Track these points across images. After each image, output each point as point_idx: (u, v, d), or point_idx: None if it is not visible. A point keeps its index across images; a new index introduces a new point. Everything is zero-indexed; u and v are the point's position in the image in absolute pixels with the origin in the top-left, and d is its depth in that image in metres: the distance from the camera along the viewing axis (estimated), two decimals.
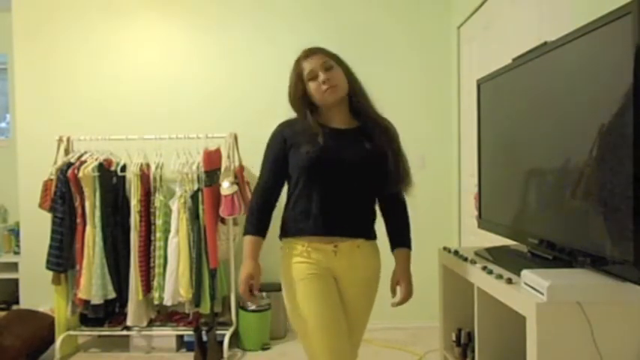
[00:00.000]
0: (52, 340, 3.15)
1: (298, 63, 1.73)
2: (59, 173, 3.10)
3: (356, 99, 1.76)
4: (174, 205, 3.12)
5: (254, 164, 3.46)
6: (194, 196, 3.12)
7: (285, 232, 1.74)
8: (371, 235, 1.78)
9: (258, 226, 1.72)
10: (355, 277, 1.73)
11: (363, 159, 1.69)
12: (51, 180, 3.16)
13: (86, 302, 3.09)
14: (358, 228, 1.73)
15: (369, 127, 1.74)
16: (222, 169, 3.15)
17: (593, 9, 1.58)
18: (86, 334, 3.33)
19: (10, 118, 4.42)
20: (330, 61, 1.71)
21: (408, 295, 1.80)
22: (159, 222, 3.13)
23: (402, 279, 1.79)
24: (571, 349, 1.34)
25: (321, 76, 1.67)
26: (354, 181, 1.69)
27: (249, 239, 1.72)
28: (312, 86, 1.70)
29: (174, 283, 3.08)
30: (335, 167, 1.68)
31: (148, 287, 3.15)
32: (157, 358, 3.19)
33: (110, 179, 3.19)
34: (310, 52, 1.73)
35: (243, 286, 1.70)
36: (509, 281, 1.56)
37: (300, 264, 1.68)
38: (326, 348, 1.60)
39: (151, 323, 3.26)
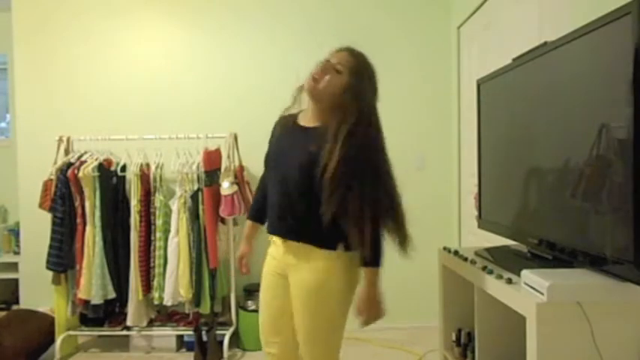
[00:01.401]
0: (52, 340, 3.15)
1: (339, 48, 1.71)
2: (59, 173, 3.10)
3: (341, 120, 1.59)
4: (174, 205, 3.12)
5: (254, 164, 3.47)
6: (194, 196, 3.12)
7: None
8: (323, 244, 1.63)
9: (251, 211, 1.98)
10: (297, 281, 1.68)
11: (302, 162, 1.60)
12: (51, 180, 3.16)
13: (86, 302, 3.08)
14: (302, 232, 1.65)
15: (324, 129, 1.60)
16: (222, 169, 3.15)
17: (593, 9, 1.59)
18: (86, 334, 3.33)
19: (10, 118, 4.42)
20: (344, 69, 1.61)
21: (368, 316, 1.64)
22: (159, 222, 3.13)
23: (360, 300, 1.63)
24: (571, 349, 1.34)
25: (319, 69, 1.62)
26: (300, 186, 1.62)
27: (246, 223, 1.99)
28: (312, 69, 1.65)
29: (174, 283, 3.07)
30: (278, 168, 1.69)
31: (147, 287, 3.15)
32: (157, 358, 3.19)
33: (110, 179, 3.19)
34: (348, 50, 1.70)
35: (237, 264, 2.01)
36: (509, 281, 1.56)
37: (271, 259, 1.81)
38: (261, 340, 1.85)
39: (151, 323, 3.26)
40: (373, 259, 1.60)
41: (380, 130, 1.65)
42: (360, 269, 1.65)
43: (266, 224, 1.82)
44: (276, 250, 1.78)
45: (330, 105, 1.63)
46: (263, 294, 1.83)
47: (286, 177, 1.65)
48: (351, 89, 1.61)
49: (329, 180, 1.53)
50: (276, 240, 1.76)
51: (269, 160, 1.79)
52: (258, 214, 1.95)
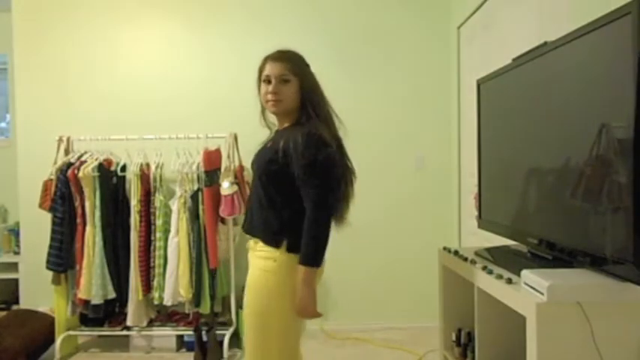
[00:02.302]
0: (52, 340, 3.15)
1: (264, 61, 1.76)
2: (59, 173, 3.10)
3: (306, 111, 1.71)
4: (174, 205, 3.12)
5: None
6: (194, 196, 3.12)
7: None
8: (268, 240, 1.66)
9: None
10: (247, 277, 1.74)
11: (259, 158, 1.75)
12: (51, 180, 3.16)
13: (86, 302, 3.08)
14: (257, 227, 1.71)
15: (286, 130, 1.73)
16: (222, 169, 3.15)
17: (593, 9, 1.58)
18: (86, 334, 3.33)
19: (10, 118, 4.42)
20: (289, 75, 1.70)
21: (302, 315, 1.60)
22: (159, 222, 3.13)
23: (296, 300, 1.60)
24: (571, 349, 1.34)
25: (271, 87, 1.70)
26: (257, 181, 1.73)
27: None
28: (262, 88, 1.75)
29: (174, 283, 3.07)
30: (252, 167, 1.81)
31: (147, 287, 3.15)
32: (157, 358, 3.19)
33: (110, 179, 3.19)
34: (278, 57, 1.74)
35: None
36: (509, 281, 1.56)
37: None
38: None
39: (151, 323, 3.26)
40: (306, 257, 1.58)
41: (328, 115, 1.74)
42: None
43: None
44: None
45: (293, 109, 1.73)
46: None
47: (255, 178, 1.76)
48: (304, 88, 1.72)
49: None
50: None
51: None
52: None
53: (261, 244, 1.68)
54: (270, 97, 1.70)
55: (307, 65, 1.78)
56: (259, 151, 1.79)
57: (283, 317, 1.63)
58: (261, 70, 1.76)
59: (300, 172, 1.60)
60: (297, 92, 1.71)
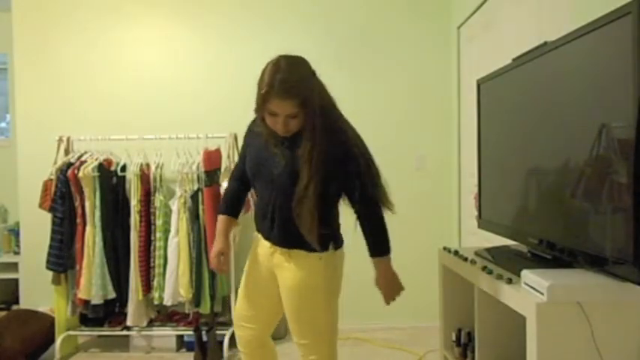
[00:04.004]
0: (52, 340, 3.15)
1: (268, 92, 1.56)
2: (59, 173, 3.10)
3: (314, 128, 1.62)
4: (174, 205, 3.12)
5: None
6: (194, 196, 3.12)
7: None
8: (309, 247, 1.67)
9: (222, 206, 1.95)
10: (283, 281, 1.76)
11: (285, 168, 1.66)
12: (51, 180, 3.16)
13: (86, 302, 3.09)
14: (289, 239, 1.71)
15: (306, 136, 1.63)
16: (222, 169, 3.15)
17: (593, 9, 1.59)
18: (86, 334, 3.33)
19: (10, 118, 4.42)
20: (297, 110, 1.57)
21: (389, 293, 1.84)
22: (159, 222, 3.13)
23: (379, 285, 1.83)
24: (571, 349, 1.34)
25: (280, 122, 1.60)
26: (281, 191, 1.67)
27: (218, 218, 1.94)
28: (268, 118, 1.63)
29: (174, 283, 3.08)
30: (264, 177, 1.74)
31: (147, 287, 3.15)
32: (157, 358, 3.19)
33: (110, 179, 3.19)
34: (284, 94, 1.55)
35: (213, 261, 1.89)
36: (509, 281, 1.56)
37: (257, 255, 1.85)
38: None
39: (151, 323, 3.26)
40: (381, 249, 1.79)
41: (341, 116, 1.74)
42: (342, 263, 1.82)
43: (255, 224, 1.87)
44: (262, 250, 1.82)
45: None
46: (246, 282, 1.91)
47: (277, 184, 1.68)
48: (314, 113, 1.60)
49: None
50: (264, 243, 1.80)
51: (254, 167, 1.77)
52: (232, 209, 1.93)
53: (300, 251, 1.71)
54: (278, 130, 1.63)
55: (313, 76, 1.65)
56: (281, 156, 1.68)
57: (334, 310, 1.78)
58: (265, 97, 1.57)
59: (357, 175, 1.67)
60: (302, 122, 1.62)
